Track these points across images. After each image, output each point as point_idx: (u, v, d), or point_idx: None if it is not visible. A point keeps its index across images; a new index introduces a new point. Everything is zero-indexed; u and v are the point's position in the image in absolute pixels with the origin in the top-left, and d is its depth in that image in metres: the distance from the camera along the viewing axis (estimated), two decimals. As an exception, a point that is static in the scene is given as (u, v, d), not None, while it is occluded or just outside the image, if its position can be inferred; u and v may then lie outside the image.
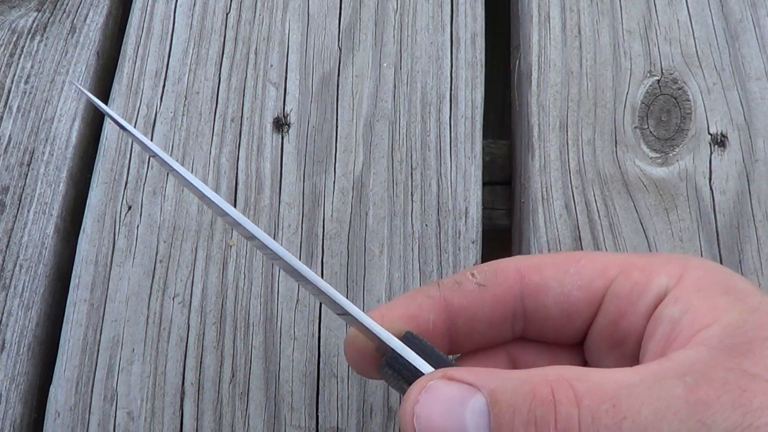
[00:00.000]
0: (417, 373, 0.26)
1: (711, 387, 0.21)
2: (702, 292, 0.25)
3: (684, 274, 0.26)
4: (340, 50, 0.47)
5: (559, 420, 0.22)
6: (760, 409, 0.21)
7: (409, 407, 0.24)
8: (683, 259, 0.27)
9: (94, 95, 0.47)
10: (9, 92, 0.46)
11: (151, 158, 0.44)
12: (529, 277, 0.28)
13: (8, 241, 0.42)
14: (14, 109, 0.45)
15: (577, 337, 0.29)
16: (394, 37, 0.47)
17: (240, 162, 0.43)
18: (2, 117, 0.45)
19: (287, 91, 0.45)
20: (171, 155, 0.44)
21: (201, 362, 0.39)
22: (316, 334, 0.39)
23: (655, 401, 0.22)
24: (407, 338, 0.27)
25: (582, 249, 0.41)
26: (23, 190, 0.43)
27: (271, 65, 0.46)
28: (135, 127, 0.44)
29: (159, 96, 0.45)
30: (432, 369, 0.26)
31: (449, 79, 0.46)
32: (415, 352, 0.26)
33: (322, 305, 0.40)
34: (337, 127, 0.44)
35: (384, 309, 0.28)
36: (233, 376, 0.39)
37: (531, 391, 0.22)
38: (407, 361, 0.26)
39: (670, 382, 0.22)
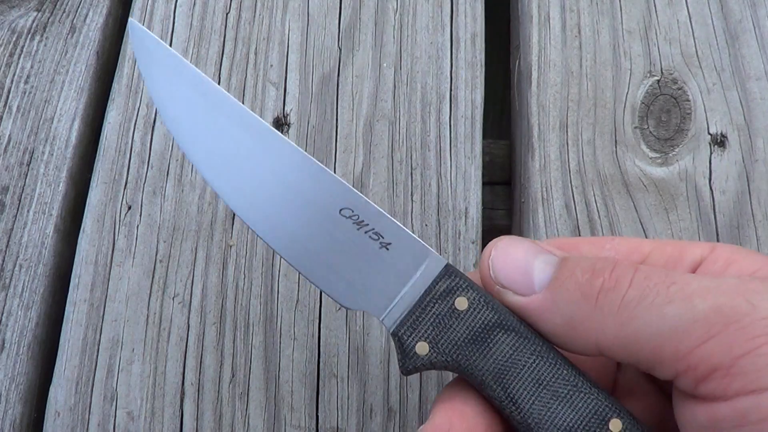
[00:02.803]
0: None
1: (764, 285, 0.23)
2: (739, 253, 0.26)
3: (716, 247, 0.27)
4: (340, 50, 0.47)
5: (615, 271, 0.24)
6: None
7: (493, 241, 0.27)
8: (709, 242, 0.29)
9: (94, 95, 0.47)
10: (9, 92, 0.46)
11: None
12: (568, 251, 0.29)
13: (8, 241, 0.42)
14: (14, 109, 0.45)
15: None
16: (394, 37, 0.47)
17: (240, 162, 0.43)
18: (2, 117, 0.45)
19: (287, 91, 0.45)
20: (171, 155, 0.44)
21: (201, 362, 0.39)
22: (316, 334, 0.39)
23: (706, 281, 0.23)
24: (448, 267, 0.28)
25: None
26: (23, 190, 0.43)
27: (271, 65, 0.46)
28: (135, 127, 0.44)
29: (159, 96, 0.45)
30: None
31: (449, 79, 0.46)
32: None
33: (323, 305, 0.40)
34: (337, 127, 0.44)
35: None
36: (233, 376, 0.39)
37: (598, 258, 0.25)
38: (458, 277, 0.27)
39: (725, 278, 0.24)
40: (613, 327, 0.23)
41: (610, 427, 0.25)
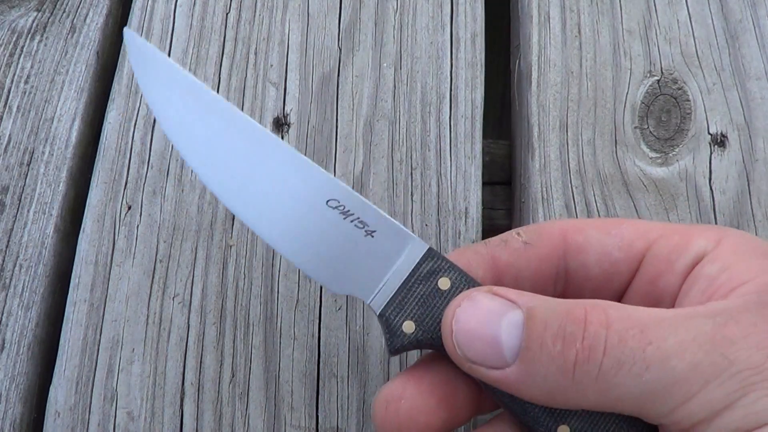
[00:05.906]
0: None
1: (738, 327, 0.23)
2: (740, 255, 0.26)
3: (722, 239, 0.27)
4: (340, 50, 0.47)
5: (587, 337, 0.23)
6: None
7: (451, 310, 0.26)
8: (721, 228, 0.28)
9: (94, 95, 0.47)
10: (9, 92, 0.46)
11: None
12: (572, 237, 0.29)
13: (8, 241, 0.42)
14: (14, 109, 0.45)
15: (615, 297, 0.29)
16: (394, 37, 0.47)
17: (240, 162, 0.43)
18: (2, 117, 0.45)
19: (287, 91, 0.45)
20: (171, 155, 0.44)
21: (201, 362, 0.39)
22: (316, 334, 0.39)
23: (682, 333, 0.23)
24: (430, 251, 0.29)
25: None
26: (23, 190, 0.43)
27: (271, 65, 0.46)
28: (135, 127, 0.44)
29: (159, 96, 0.45)
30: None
31: (449, 79, 0.46)
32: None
33: (323, 305, 0.40)
34: (337, 127, 0.44)
35: None
36: (233, 376, 0.39)
37: (565, 311, 0.24)
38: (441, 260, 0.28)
39: (700, 320, 0.23)
40: (594, 396, 0.23)
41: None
